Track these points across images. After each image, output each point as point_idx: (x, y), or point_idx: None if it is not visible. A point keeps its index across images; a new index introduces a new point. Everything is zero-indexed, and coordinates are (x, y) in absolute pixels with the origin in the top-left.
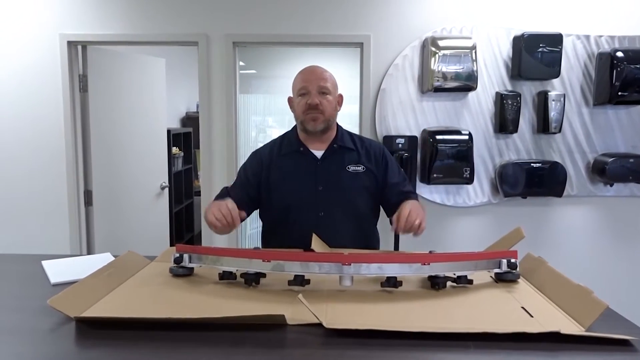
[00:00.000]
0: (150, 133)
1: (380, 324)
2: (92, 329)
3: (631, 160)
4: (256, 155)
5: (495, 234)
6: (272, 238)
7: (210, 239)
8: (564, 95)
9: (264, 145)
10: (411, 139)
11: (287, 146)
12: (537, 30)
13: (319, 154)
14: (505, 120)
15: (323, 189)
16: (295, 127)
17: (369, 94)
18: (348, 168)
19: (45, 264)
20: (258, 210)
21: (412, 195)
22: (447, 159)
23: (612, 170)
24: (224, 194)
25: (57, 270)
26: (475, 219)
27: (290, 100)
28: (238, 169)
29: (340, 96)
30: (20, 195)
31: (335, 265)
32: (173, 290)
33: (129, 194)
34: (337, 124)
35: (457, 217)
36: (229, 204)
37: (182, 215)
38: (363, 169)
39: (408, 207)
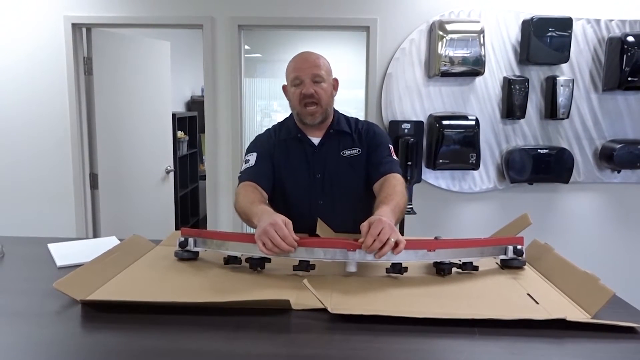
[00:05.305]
0: (155, 117)
1: (385, 310)
2: (98, 312)
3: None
4: (261, 137)
5: (501, 220)
6: None
7: (216, 223)
8: (573, 80)
9: (266, 130)
10: (417, 124)
11: (285, 133)
12: (546, 14)
13: (316, 140)
14: (512, 105)
15: (321, 177)
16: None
17: (375, 79)
18: (343, 153)
19: (52, 247)
20: None
21: (391, 166)
22: (453, 144)
23: (620, 156)
24: (245, 178)
25: (63, 253)
26: (481, 205)
27: (284, 88)
28: (243, 153)
29: (336, 80)
30: (26, 179)
31: (341, 251)
32: (178, 274)
33: (134, 177)
34: (334, 108)
35: (462, 203)
36: (287, 225)
37: (188, 199)
38: (359, 151)
39: (376, 219)
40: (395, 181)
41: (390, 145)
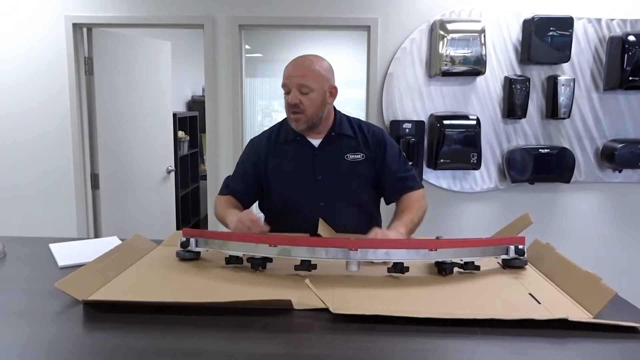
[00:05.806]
0: (156, 116)
1: (386, 310)
2: (99, 312)
3: None
4: (253, 144)
5: (502, 220)
6: (273, 229)
7: (217, 223)
8: (574, 80)
9: (261, 133)
10: (418, 124)
11: (284, 135)
12: (547, 13)
13: (316, 142)
14: (513, 105)
15: (322, 179)
16: None
17: (376, 78)
18: (347, 157)
19: (53, 247)
20: (257, 201)
21: (411, 182)
22: (455, 144)
23: (621, 156)
24: (225, 191)
25: (65, 254)
26: (482, 205)
27: None
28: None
29: (334, 87)
30: (28, 179)
31: (342, 250)
32: (180, 274)
33: (135, 177)
34: (335, 109)
35: (464, 203)
36: (250, 216)
37: (189, 199)
38: (363, 156)
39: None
40: (415, 197)
41: (401, 152)
